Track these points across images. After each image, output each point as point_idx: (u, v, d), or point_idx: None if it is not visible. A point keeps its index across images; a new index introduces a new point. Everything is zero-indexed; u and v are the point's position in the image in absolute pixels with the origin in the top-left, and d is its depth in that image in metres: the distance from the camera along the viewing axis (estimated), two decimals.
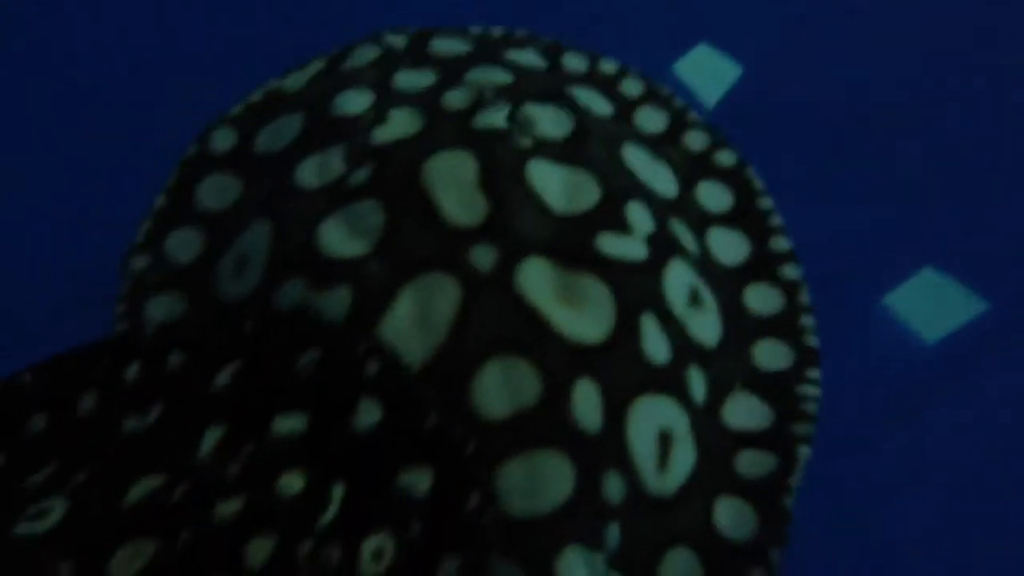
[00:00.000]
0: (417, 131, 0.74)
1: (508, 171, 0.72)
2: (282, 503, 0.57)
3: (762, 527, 0.68)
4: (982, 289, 0.87)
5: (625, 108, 0.86)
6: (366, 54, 0.86)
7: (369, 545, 0.56)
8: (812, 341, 0.76)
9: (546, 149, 0.74)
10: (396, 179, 0.71)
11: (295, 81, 0.86)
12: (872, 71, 1.01)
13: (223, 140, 0.83)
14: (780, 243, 0.81)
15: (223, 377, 0.62)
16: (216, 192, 0.79)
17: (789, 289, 0.79)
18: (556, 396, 0.63)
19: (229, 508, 0.57)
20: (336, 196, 0.73)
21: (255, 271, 0.72)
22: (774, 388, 0.74)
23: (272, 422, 0.59)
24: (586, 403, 0.63)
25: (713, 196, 0.83)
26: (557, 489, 0.62)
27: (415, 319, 0.66)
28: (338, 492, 0.58)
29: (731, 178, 0.84)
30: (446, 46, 0.86)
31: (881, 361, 0.84)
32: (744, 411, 0.72)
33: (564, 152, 0.75)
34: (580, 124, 0.78)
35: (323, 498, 0.57)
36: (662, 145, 0.85)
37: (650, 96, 0.87)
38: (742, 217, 0.82)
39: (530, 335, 0.65)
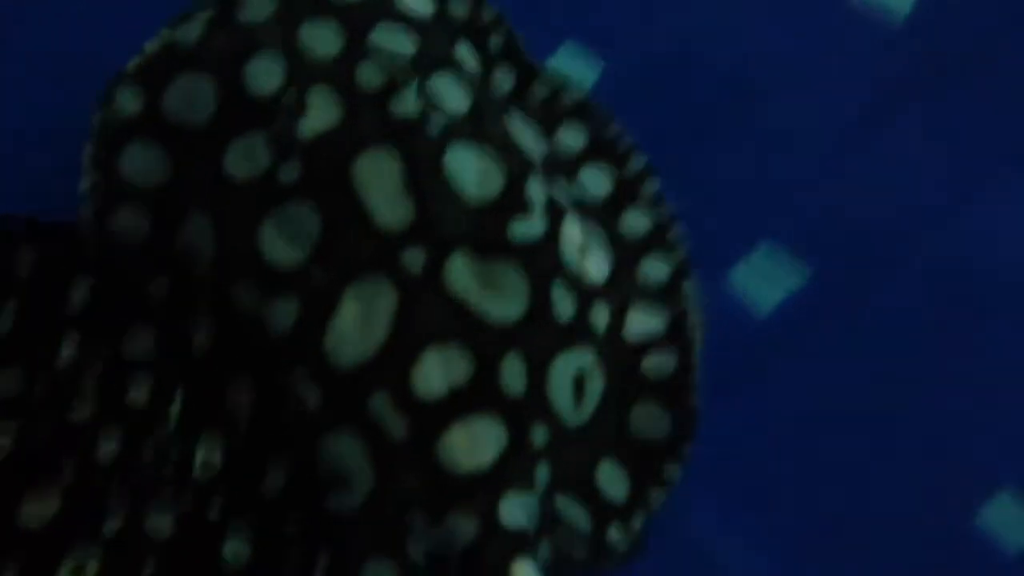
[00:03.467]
0: (339, 121, 0.76)
1: (427, 167, 0.76)
2: (130, 411, 0.68)
3: (672, 424, 0.81)
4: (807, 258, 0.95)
5: (488, 64, 0.90)
6: (261, 2, 0.82)
7: (200, 447, 0.67)
8: (683, 252, 0.88)
9: (455, 129, 0.78)
10: (328, 182, 0.75)
11: (186, 33, 0.83)
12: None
13: (131, 100, 0.81)
14: (636, 163, 0.90)
15: (80, 289, 0.71)
16: (142, 166, 0.80)
17: (654, 204, 0.90)
18: (486, 371, 0.74)
19: (84, 411, 0.67)
20: (269, 194, 0.76)
21: (203, 261, 0.77)
22: (661, 296, 0.86)
23: (123, 339, 0.70)
24: (512, 373, 0.75)
25: (571, 135, 0.91)
26: (493, 446, 0.74)
27: (358, 322, 0.73)
28: (177, 403, 0.69)
29: (581, 114, 0.91)
30: None
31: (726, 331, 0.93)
32: (641, 323, 0.84)
33: (470, 130, 0.79)
34: (476, 95, 0.82)
35: (164, 408, 0.68)
36: (517, 101, 0.90)
37: (509, 51, 0.92)
38: (599, 148, 0.91)
39: (461, 325, 0.75)
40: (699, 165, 0.96)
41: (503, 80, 0.90)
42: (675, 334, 0.84)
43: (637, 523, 0.79)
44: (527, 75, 0.91)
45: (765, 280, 0.95)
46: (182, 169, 0.79)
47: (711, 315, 0.87)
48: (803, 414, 0.89)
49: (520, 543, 0.73)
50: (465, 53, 0.86)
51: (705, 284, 0.89)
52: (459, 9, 0.89)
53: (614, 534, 0.78)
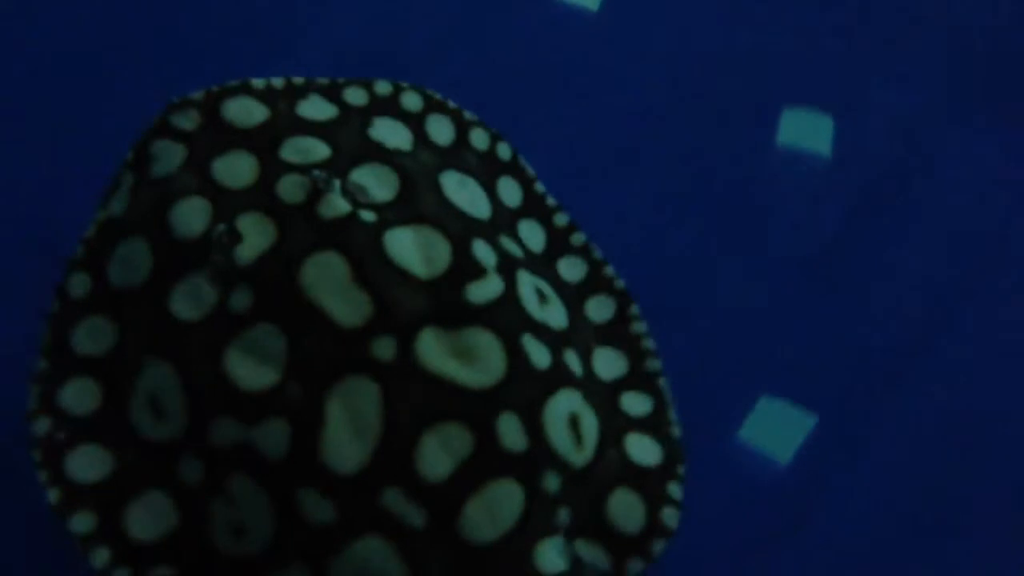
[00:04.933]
0: (274, 239, 0.78)
1: (371, 258, 0.76)
2: None
3: (663, 453, 0.83)
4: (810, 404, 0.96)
5: (415, 125, 0.92)
6: (169, 153, 0.84)
7: None
8: (620, 285, 0.91)
9: (387, 214, 0.79)
10: (279, 299, 0.75)
11: (118, 204, 0.84)
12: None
13: (79, 285, 0.83)
14: (561, 218, 0.93)
15: None
16: (92, 337, 0.81)
17: (585, 254, 0.92)
18: (486, 438, 0.74)
19: None
20: (224, 325, 0.76)
21: (176, 413, 0.76)
22: (615, 338, 0.88)
23: None
24: (511, 431, 0.75)
25: (508, 192, 0.92)
26: (513, 507, 0.74)
27: (348, 426, 0.73)
28: None
29: (512, 171, 0.93)
30: (240, 112, 0.86)
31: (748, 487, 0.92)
32: (607, 364, 0.86)
33: (403, 213, 0.80)
34: (402, 174, 0.83)
35: None
36: (454, 154, 0.91)
37: (431, 107, 0.93)
38: (530, 205, 0.93)
39: (448, 401, 0.74)
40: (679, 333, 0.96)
41: (437, 132, 0.91)
42: (639, 373, 0.86)
43: (657, 549, 0.79)
44: (461, 124, 0.92)
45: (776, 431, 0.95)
46: (130, 328, 0.79)
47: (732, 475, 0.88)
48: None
49: None
50: (384, 130, 0.88)
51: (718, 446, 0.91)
52: (359, 97, 0.91)
53: (636, 566, 0.78)
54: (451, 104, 0.93)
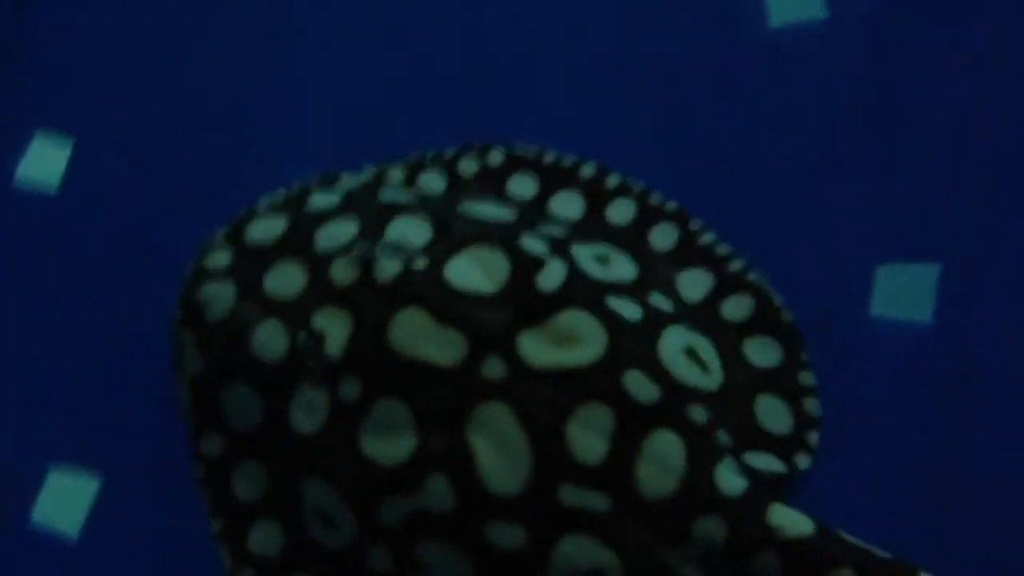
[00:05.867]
0: (352, 324, 0.79)
1: (441, 297, 0.78)
2: None
3: (782, 347, 0.85)
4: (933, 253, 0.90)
5: (410, 176, 0.94)
6: (221, 293, 0.84)
7: None
8: (672, 207, 0.91)
9: (435, 253, 0.80)
10: (382, 372, 0.77)
11: (193, 363, 0.85)
12: None
13: (211, 445, 0.85)
14: (588, 169, 0.94)
15: None
16: (248, 483, 0.83)
17: (626, 193, 0.92)
18: (622, 403, 0.75)
19: None
20: (347, 419, 0.77)
21: (345, 517, 0.78)
22: (690, 258, 0.89)
23: None
24: (640, 386, 0.76)
25: (523, 187, 0.94)
26: (675, 450, 0.75)
27: (498, 451, 0.74)
28: None
29: (521, 167, 0.95)
30: (264, 232, 0.87)
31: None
32: (693, 285, 0.88)
33: (446, 246, 0.81)
34: (428, 215, 0.85)
35: None
36: (465, 183, 0.94)
37: (420, 163, 0.95)
38: (550, 188, 0.93)
39: (570, 386, 0.76)
40: None
41: (430, 182, 0.93)
42: (728, 281, 0.87)
43: (813, 440, 0.81)
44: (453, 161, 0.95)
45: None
46: (272, 461, 0.82)
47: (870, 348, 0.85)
48: None
49: (751, 497, 0.74)
50: (390, 193, 0.90)
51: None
52: (355, 182, 0.92)
53: (804, 461, 0.80)
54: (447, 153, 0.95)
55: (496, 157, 0.95)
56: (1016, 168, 0.91)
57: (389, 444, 0.76)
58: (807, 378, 0.83)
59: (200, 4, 1.07)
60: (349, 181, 0.93)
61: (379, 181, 0.93)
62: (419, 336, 0.77)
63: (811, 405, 0.82)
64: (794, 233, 0.91)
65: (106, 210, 0.99)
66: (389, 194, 0.90)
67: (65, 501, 0.88)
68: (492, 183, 0.94)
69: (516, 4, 1.03)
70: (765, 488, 0.76)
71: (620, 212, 0.92)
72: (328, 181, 0.93)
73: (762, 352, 0.85)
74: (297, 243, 0.85)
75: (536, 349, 0.76)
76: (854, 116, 0.94)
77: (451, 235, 0.82)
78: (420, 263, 0.80)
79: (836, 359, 0.85)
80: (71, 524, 0.88)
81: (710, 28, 0.99)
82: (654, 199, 0.92)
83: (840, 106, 0.95)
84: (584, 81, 0.99)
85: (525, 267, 0.80)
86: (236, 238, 0.87)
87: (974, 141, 0.92)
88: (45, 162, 1.00)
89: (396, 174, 0.94)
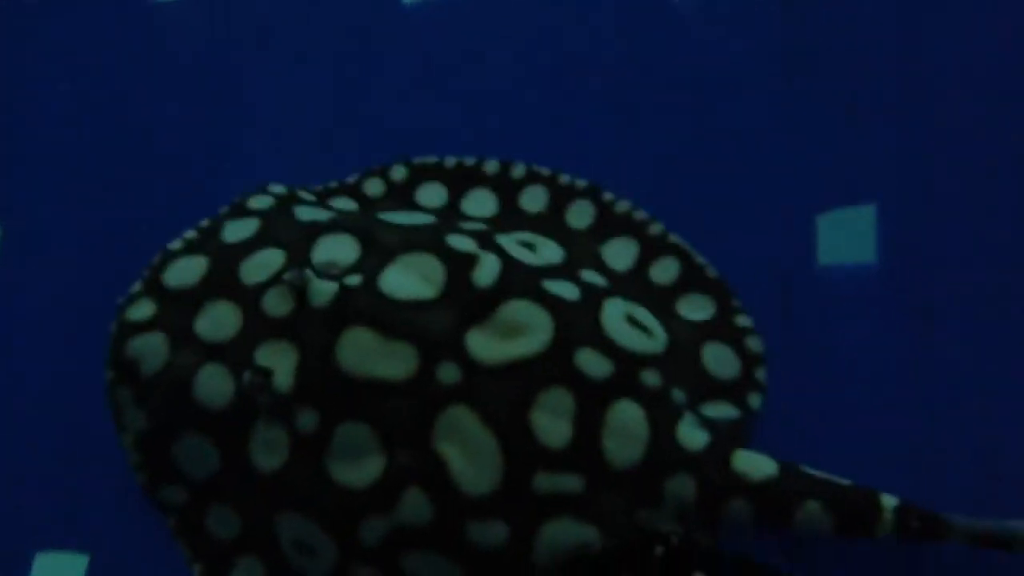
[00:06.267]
0: (298, 354, 0.77)
1: (382, 310, 0.77)
2: None
3: (713, 298, 0.86)
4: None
5: (324, 199, 0.94)
6: (151, 346, 0.83)
7: None
8: (581, 185, 0.92)
9: (366, 267, 0.80)
10: (337, 397, 0.76)
11: (135, 422, 0.84)
12: None
13: (174, 495, 0.84)
14: (492, 166, 0.94)
15: None
16: (222, 525, 0.83)
17: (535, 180, 0.92)
18: (578, 383, 0.76)
19: None
20: (309, 451, 0.76)
21: (324, 543, 0.78)
22: (612, 229, 0.89)
23: None
24: (592, 362, 0.77)
25: (432, 195, 0.94)
26: (635, 417, 0.76)
27: (467, 453, 0.74)
28: None
29: (432, 174, 0.94)
30: (181, 275, 0.85)
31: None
32: (617, 256, 0.88)
33: (377, 259, 0.80)
34: (352, 232, 0.84)
35: None
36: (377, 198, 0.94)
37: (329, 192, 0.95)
38: (464, 187, 0.93)
39: (526, 376, 0.76)
40: None
41: (372, 186, 0.94)
42: (652, 247, 0.88)
43: (760, 376, 0.82)
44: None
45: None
46: (241, 501, 0.81)
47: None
48: None
49: (714, 448, 0.75)
50: (306, 212, 0.88)
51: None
52: (264, 202, 0.90)
53: (755, 400, 0.81)
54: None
55: (399, 172, 0.94)
56: (931, 99, 0.92)
57: (358, 468, 0.75)
58: (743, 320, 0.84)
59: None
60: (259, 202, 0.91)
61: (291, 199, 0.91)
62: (368, 354, 0.76)
63: (753, 343, 0.83)
64: (733, 199, 0.92)
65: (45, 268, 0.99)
66: (306, 213, 0.89)
67: None
68: (401, 197, 0.93)
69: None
70: (726, 437, 0.77)
71: (533, 200, 0.92)
72: (238, 209, 0.90)
73: (696, 307, 0.86)
74: (222, 281, 0.83)
75: (486, 346, 0.77)
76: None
77: (379, 247, 0.82)
78: (354, 280, 0.79)
79: (798, 314, 0.87)
80: None
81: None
82: (563, 180, 0.92)
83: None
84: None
85: (459, 266, 0.80)
86: (155, 286, 0.85)
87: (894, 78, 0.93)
88: None
89: (306, 196, 0.93)
